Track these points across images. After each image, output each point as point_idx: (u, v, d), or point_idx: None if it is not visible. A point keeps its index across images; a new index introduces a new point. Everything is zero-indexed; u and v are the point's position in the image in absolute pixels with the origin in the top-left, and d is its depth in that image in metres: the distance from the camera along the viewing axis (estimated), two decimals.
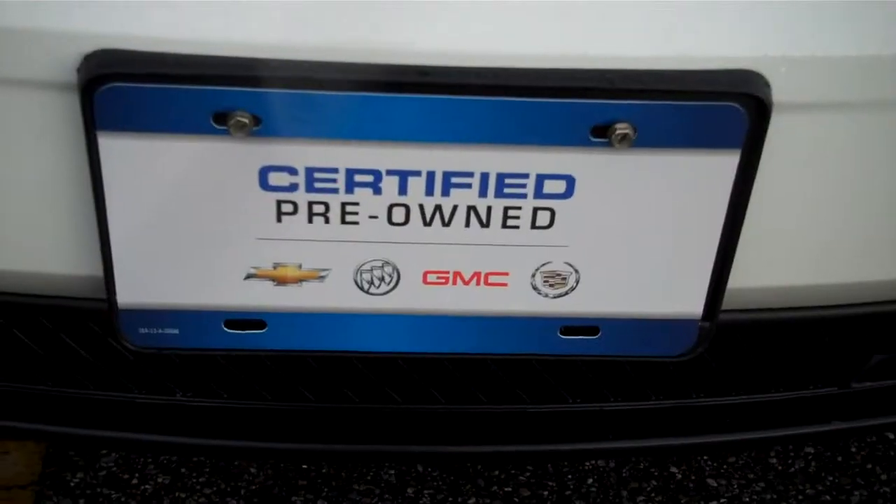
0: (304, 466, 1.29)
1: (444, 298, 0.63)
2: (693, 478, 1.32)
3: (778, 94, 0.57)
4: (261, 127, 0.55)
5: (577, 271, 0.62)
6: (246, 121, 0.55)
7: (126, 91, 0.54)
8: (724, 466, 1.34)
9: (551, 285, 0.63)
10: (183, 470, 1.29)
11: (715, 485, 1.32)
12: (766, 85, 0.57)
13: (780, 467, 1.35)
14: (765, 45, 0.58)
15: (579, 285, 0.63)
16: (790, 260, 0.65)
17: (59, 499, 1.25)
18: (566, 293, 0.63)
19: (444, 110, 0.56)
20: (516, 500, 1.27)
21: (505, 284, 0.62)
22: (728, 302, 0.66)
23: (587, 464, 1.32)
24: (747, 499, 1.30)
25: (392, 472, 1.29)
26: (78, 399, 0.78)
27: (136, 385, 0.78)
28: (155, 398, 0.79)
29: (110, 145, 0.56)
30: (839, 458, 1.37)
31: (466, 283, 0.62)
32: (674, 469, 1.34)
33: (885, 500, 1.32)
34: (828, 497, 1.31)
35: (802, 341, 0.78)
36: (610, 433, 0.80)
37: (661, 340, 0.66)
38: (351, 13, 0.55)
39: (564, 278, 0.63)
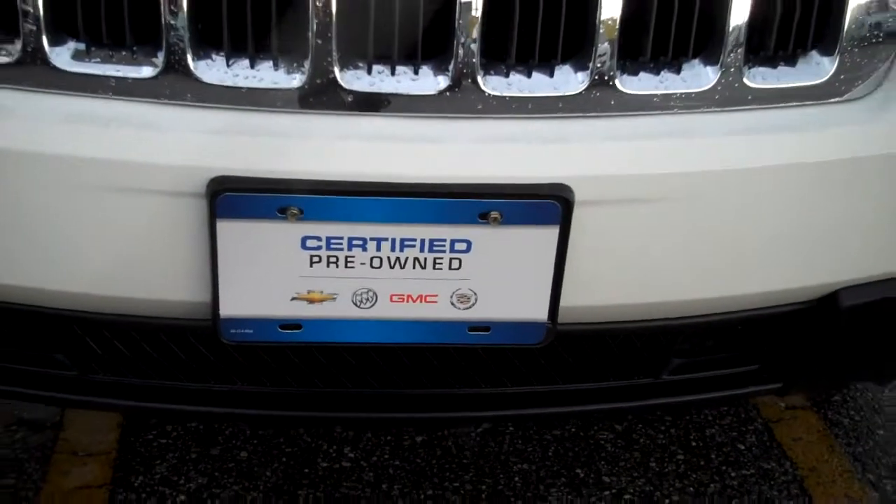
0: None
1: (402, 311, 1.12)
2: (592, 476, 1.79)
3: (578, 196, 1.08)
4: (303, 215, 1.05)
5: (476, 294, 1.11)
6: (295, 212, 1.04)
7: (233, 198, 1.04)
8: (617, 468, 1.81)
9: (462, 302, 1.12)
10: (216, 474, 1.74)
11: (608, 481, 1.79)
12: (571, 191, 1.07)
13: (657, 469, 1.82)
14: (570, 169, 1.08)
15: (478, 302, 1.12)
16: (596, 287, 1.15)
17: (126, 494, 1.70)
18: (470, 307, 1.12)
19: (400, 206, 1.06)
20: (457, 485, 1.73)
21: (435, 302, 1.11)
22: (564, 313, 1.14)
23: (514, 468, 1.79)
24: (632, 489, 1.77)
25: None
26: (176, 387, 1.26)
27: (214, 378, 1.26)
28: (222, 386, 1.27)
29: (223, 226, 1.05)
30: (702, 462, 1.85)
31: (414, 301, 1.11)
32: (578, 470, 1.81)
33: (733, 490, 1.79)
34: (692, 489, 1.78)
35: (620, 344, 1.27)
36: (494, 406, 1.28)
37: (525, 335, 1.14)
38: (349, 158, 1.05)
39: (469, 298, 1.11)
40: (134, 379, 1.25)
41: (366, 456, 1.78)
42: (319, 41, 1.03)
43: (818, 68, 1.16)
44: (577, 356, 1.26)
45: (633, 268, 1.14)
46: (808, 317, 1.27)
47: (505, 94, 1.08)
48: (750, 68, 1.13)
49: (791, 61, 1.16)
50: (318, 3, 1.01)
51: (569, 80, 1.09)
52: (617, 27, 1.06)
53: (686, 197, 1.11)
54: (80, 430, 1.83)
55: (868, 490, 1.81)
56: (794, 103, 1.16)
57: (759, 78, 1.14)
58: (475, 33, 1.05)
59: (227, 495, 1.69)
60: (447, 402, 1.28)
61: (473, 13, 1.03)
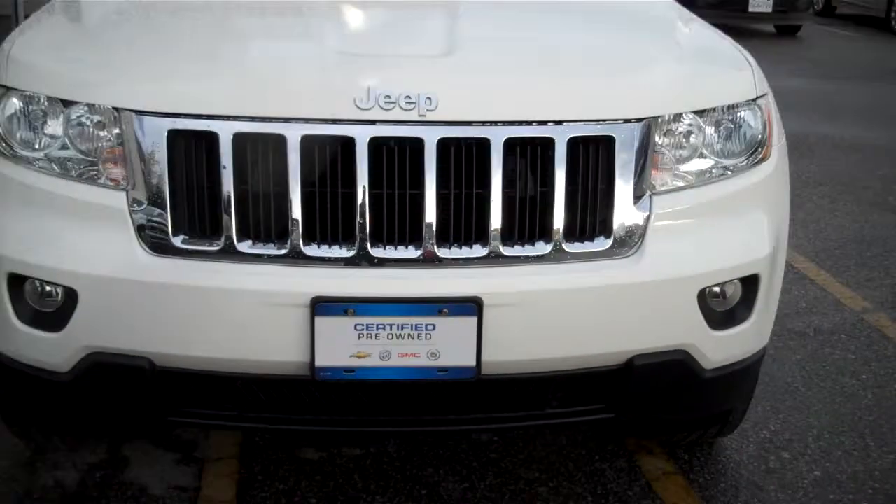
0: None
1: (404, 361, 2.28)
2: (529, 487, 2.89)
3: (486, 302, 2.27)
4: (355, 314, 2.24)
5: (439, 352, 2.26)
6: (351, 312, 2.23)
7: (322, 307, 2.24)
8: (551, 482, 2.90)
9: (432, 356, 2.26)
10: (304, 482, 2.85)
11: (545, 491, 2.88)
12: (481, 299, 2.26)
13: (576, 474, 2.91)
14: (481, 289, 2.28)
15: (441, 356, 2.27)
16: (496, 349, 2.31)
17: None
18: (437, 359, 2.27)
19: (400, 308, 2.25)
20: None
21: (420, 356, 2.27)
22: (485, 364, 2.30)
23: (479, 485, 2.89)
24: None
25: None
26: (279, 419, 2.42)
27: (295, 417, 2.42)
28: (299, 417, 2.43)
29: (318, 320, 2.24)
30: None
31: (409, 356, 2.26)
32: (527, 475, 2.90)
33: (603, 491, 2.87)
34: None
35: (519, 384, 2.42)
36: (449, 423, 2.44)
37: (465, 373, 2.29)
38: (375, 287, 2.26)
39: (436, 354, 2.26)
40: (265, 412, 2.42)
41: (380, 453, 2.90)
42: (361, 235, 2.27)
43: (603, 242, 2.38)
44: (493, 391, 2.42)
45: (515, 339, 2.31)
46: (620, 373, 2.43)
47: (447, 257, 2.30)
48: (568, 243, 2.36)
49: (590, 239, 2.38)
50: (360, 221, 2.25)
51: (478, 251, 2.32)
52: (499, 227, 2.30)
53: (538, 302, 2.30)
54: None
55: None
56: (591, 259, 2.37)
57: (572, 247, 2.36)
58: (434, 230, 2.28)
59: None
60: (425, 421, 2.44)
61: (427, 220, 2.26)
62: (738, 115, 2.56)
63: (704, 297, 2.45)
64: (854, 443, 3.31)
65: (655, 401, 2.55)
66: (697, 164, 2.51)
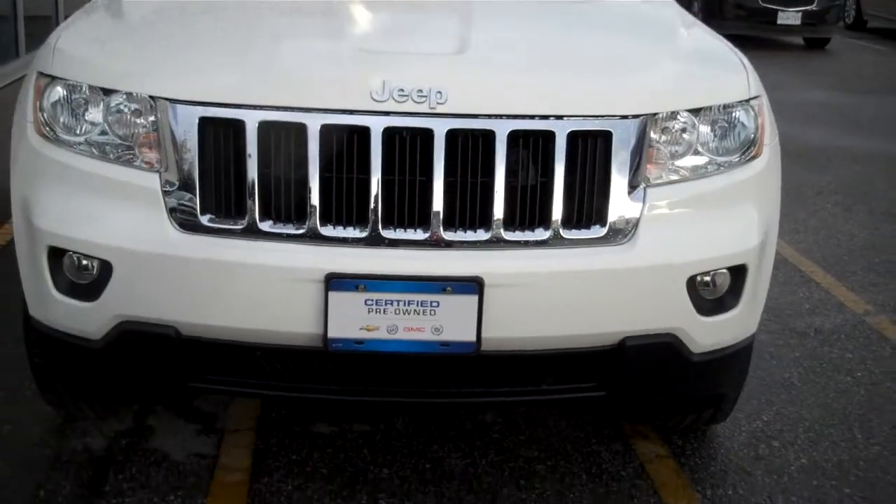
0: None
1: (409, 335, 2.46)
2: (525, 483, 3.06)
3: (487, 282, 2.45)
4: (366, 289, 2.43)
5: (442, 327, 2.44)
6: (362, 287, 2.42)
7: (335, 282, 2.42)
8: (549, 461, 3.07)
9: (436, 331, 2.44)
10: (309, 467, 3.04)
11: (537, 486, 3.06)
12: (482, 279, 2.43)
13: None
14: (483, 269, 2.46)
15: (444, 331, 2.45)
16: (496, 326, 2.49)
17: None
18: (440, 334, 2.46)
19: (407, 285, 2.43)
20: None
21: (424, 330, 2.46)
22: (484, 340, 2.48)
23: (481, 461, 3.06)
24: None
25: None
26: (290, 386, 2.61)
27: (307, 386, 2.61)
28: (312, 386, 2.62)
29: (331, 294, 2.43)
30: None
31: (415, 330, 2.44)
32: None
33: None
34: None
35: (515, 362, 2.60)
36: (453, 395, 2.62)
37: (465, 348, 2.47)
38: (384, 265, 2.44)
39: (439, 329, 2.44)
40: (281, 381, 2.62)
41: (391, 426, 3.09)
42: (373, 217, 2.46)
43: (598, 230, 2.55)
44: (492, 366, 2.60)
45: (513, 318, 2.49)
46: (612, 353, 2.60)
47: (453, 239, 2.48)
48: (566, 230, 2.53)
49: (586, 227, 2.55)
50: (373, 205, 2.44)
51: (481, 235, 2.50)
52: (501, 213, 2.48)
53: (536, 284, 2.48)
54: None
55: (696, 495, 3.06)
56: (587, 245, 2.55)
57: (570, 233, 2.54)
58: (441, 215, 2.46)
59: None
60: (428, 393, 2.62)
61: (435, 205, 2.45)
62: (732, 114, 2.73)
63: (694, 285, 2.62)
64: (842, 434, 3.46)
65: (645, 381, 2.72)
66: (691, 160, 2.67)
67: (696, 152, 2.69)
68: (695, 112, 2.67)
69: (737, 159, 2.74)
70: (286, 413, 3.36)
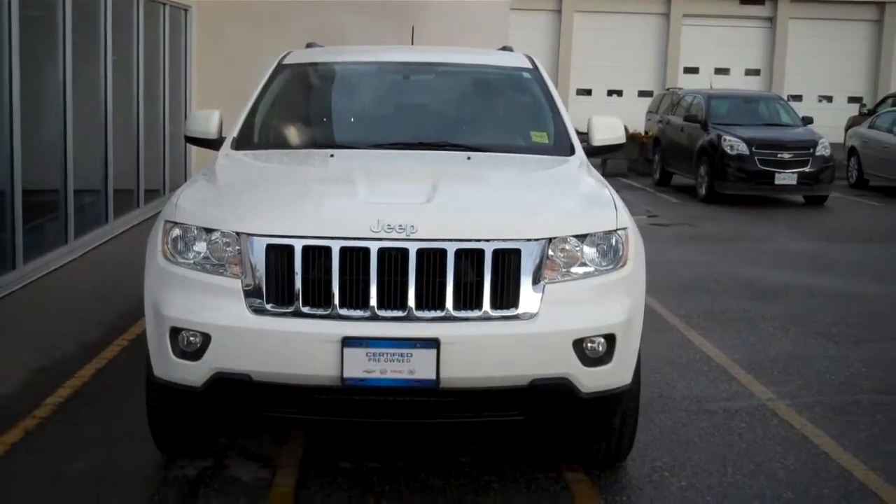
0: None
1: (393, 375, 3.94)
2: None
3: (443, 341, 3.95)
4: (368, 346, 3.94)
5: (414, 370, 3.92)
6: (364, 345, 3.93)
7: (349, 341, 3.94)
8: (502, 482, 4.47)
9: (411, 372, 3.92)
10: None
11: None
12: (439, 340, 3.93)
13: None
14: (439, 332, 3.96)
15: (415, 372, 3.92)
16: (449, 369, 3.96)
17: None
18: (413, 374, 3.92)
19: (390, 343, 3.94)
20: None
21: (402, 372, 3.93)
22: (442, 379, 3.95)
23: (454, 482, 4.46)
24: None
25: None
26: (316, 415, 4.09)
27: (326, 410, 4.09)
28: (330, 417, 4.10)
29: (346, 350, 3.94)
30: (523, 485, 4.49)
31: (396, 372, 3.92)
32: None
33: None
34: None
35: (464, 395, 4.06)
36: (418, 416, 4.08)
37: (428, 383, 3.95)
38: (379, 331, 3.96)
39: (413, 371, 3.90)
40: (315, 413, 4.11)
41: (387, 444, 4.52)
42: (372, 303, 4.00)
43: (513, 310, 4.05)
44: (447, 396, 4.06)
45: (460, 365, 3.97)
46: (526, 390, 4.07)
47: (420, 316, 4.00)
48: (492, 310, 4.05)
49: (505, 308, 4.06)
50: (372, 296, 3.98)
51: (438, 313, 4.01)
52: (451, 300, 4.00)
53: (473, 343, 3.98)
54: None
55: (601, 500, 4.44)
56: (506, 319, 4.05)
57: (495, 312, 4.05)
58: (413, 301, 3.99)
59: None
60: (406, 414, 4.10)
61: (410, 295, 3.98)
62: (605, 238, 4.26)
63: (580, 345, 4.10)
64: (717, 469, 4.83)
65: (550, 409, 4.16)
66: (577, 267, 4.20)
67: (581, 263, 4.21)
68: (579, 237, 4.21)
69: (610, 267, 4.26)
70: (320, 455, 4.82)
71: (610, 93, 30.33)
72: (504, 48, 6.88)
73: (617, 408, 4.36)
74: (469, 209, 4.31)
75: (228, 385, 4.08)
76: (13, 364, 6.10)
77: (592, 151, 5.67)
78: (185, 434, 4.65)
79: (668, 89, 22.69)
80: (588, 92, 30.33)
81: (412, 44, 7.46)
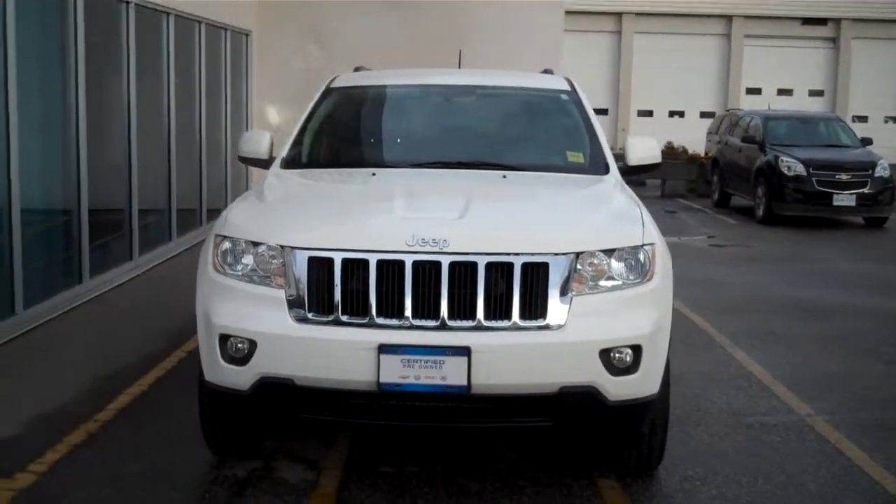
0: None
1: (426, 381, 4.15)
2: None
3: (473, 349, 4.15)
4: (403, 353, 4.16)
5: (447, 376, 4.13)
6: (400, 352, 4.16)
7: (384, 348, 4.16)
8: (536, 487, 4.65)
9: (443, 378, 4.12)
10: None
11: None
12: (470, 348, 4.12)
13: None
14: (470, 342, 4.16)
15: (447, 378, 4.13)
16: (481, 375, 4.16)
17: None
18: (445, 380, 4.13)
19: (424, 350, 4.16)
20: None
21: (434, 378, 4.14)
22: (473, 385, 4.15)
23: (489, 486, 4.65)
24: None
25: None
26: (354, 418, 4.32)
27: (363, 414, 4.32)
28: (367, 420, 4.32)
29: (383, 357, 4.15)
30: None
31: (430, 378, 4.15)
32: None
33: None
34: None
35: (494, 401, 4.25)
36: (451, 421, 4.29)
37: (462, 389, 4.16)
38: (412, 339, 4.18)
39: (445, 377, 4.11)
40: (353, 416, 4.33)
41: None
42: (407, 313, 4.22)
43: (541, 321, 4.25)
44: (479, 402, 4.26)
45: (490, 372, 4.17)
46: (554, 397, 4.25)
47: (452, 325, 4.21)
48: (521, 320, 4.24)
49: (533, 319, 4.25)
50: (408, 306, 4.20)
51: (470, 323, 4.22)
52: (482, 310, 4.21)
53: (503, 352, 4.17)
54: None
55: None
56: (535, 329, 4.24)
57: (523, 322, 4.24)
58: (446, 311, 4.21)
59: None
60: (439, 419, 4.30)
61: (443, 306, 4.19)
62: (632, 253, 4.44)
63: (606, 355, 4.27)
64: (749, 481, 4.95)
65: (577, 416, 4.34)
66: (604, 280, 4.37)
67: (609, 276, 4.39)
68: (607, 252, 4.39)
69: (637, 281, 4.43)
70: (362, 459, 5.04)
71: (671, 114, 30.36)
72: (545, 71, 7.08)
73: (644, 416, 4.51)
74: (499, 225, 4.52)
75: (273, 389, 4.32)
76: (78, 372, 6.44)
77: (629, 171, 5.84)
78: (234, 436, 4.91)
79: (728, 110, 22.66)
80: (650, 113, 30.42)
81: (459, 67, 7.70)
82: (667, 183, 22.31)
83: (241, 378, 4.37)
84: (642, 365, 4.34)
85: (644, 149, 5.87)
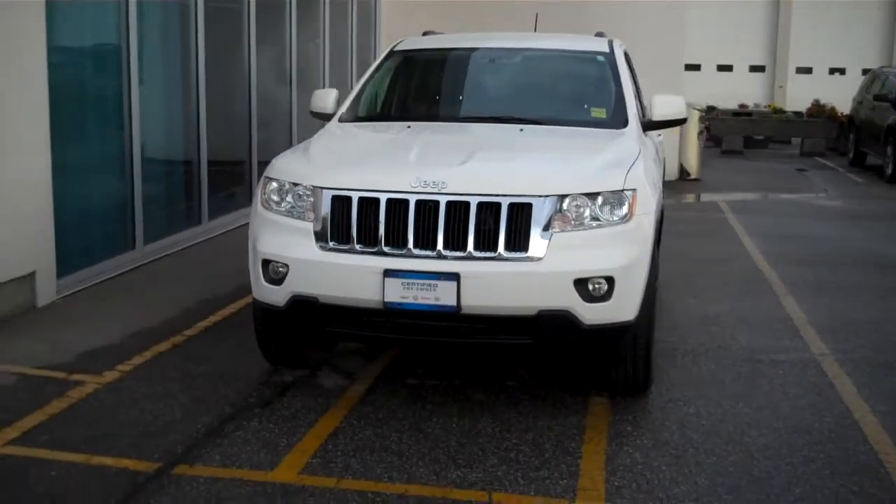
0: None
1: (424, 301, 4.93)
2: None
3: (462, 275, 4.90)
4: (404, 277, 4.94)
5: (440, 297, 4.89)
6: (401, 276, 4.94)
7: (389, 272, 4.96)
8: (537, 401, 5.38)
9: (437, 298, 4.89)
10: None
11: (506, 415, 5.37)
12: (459, 274, 4.89)
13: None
14: (460, 269, 4.91)
15: (441, 298, 4.89)
16: (469, 296, 4.90)
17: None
18: (439, 300, 4.90)
19: (420, 275, 4.93)
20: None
21: (430, 299, 4.91)
22: (463, 305, 4.90)
23: (496, 397, 5.41)
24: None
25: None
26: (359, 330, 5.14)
27: (373, 328, 5.13)
28: (376, 333, 5.14)
29: (387, 279, 4.97)
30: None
31: (427, 299, 4.90)
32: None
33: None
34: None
35: (481, 319, 4.99)
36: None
37: (452, 308, 4.90)
38: (412, 265, 4.96)
39: (439, 297, 4.86)
40: (366, 329, 5.16)
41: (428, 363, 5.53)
42: (409, 243, 5.00)
43: (523, 253, 4.95)
44: (468, 321, 5.00)
45: (478, 294, 4.90)
46: (534, 318, 4.95)
47: (446, 254, 4.96)
48: (506, 251, 4.95)
49: (517, 251, 4.96)
50: (410, 237, 4.98)
51: (461, 253, 4.96)
52: (472, 242, 4.94)
53: (489, 277, 4.90)
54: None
55: (610, 416, 5.26)
56: (518, 260, 4.95)
57: (508, 254, 4.96)
58: (441, 242, 4.96)
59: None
60: (433, 333, 5.07)
61: (439, 238, 4.95)
62: (613, 196, 5.07)
63: (583, 284, 4.94)
64: (730, 404, 5.51)
65: (556, 336, 5.02)
66: (586, 220, 5.03)
67: (593, 217, 5.04)
68: (590, 195, 5.04)
69: (615, 220, 5.06)
70: (394, 373, 5.88)
71: (832, 71, 29.94)
72: (598, 34, 7.66)
73: (619, 339, 5.16)
74: (493, 170, 5.24)
75: (302, 305, 5.19)
76: (184, 296, 7.53)
77: (652, 125, 6.41)
78: (280, 347, 5.83)
79: (882, 67, 22.13)
80: (808, 70, 30.07)
81: (535, 30, 8.36)
82: (805, 141, 22.13)
83: (278, 296, 5.26)
84: (615, 294, 4.98)
85: (668, 105, 6.41)
